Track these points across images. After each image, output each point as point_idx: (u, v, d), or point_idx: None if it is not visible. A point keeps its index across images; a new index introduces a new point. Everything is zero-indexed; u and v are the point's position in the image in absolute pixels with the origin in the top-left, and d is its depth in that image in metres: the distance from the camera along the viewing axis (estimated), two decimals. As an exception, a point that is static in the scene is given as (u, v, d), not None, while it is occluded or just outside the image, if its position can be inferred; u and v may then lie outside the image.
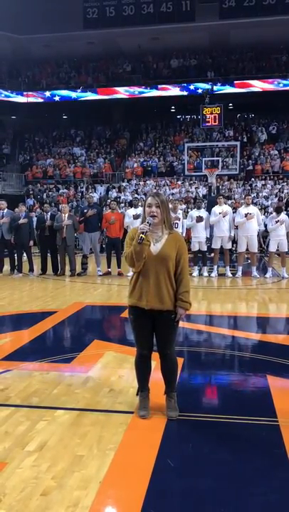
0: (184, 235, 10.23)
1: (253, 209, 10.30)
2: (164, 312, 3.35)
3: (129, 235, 3.42)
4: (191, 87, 24.12)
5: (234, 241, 11.55)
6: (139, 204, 10.96)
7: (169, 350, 3.47)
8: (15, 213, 10.99)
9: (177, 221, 10.13)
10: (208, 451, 3.04)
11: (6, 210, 10.84)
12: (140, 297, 3.35)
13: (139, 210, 10.40)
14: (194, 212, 10.52)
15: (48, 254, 10.93)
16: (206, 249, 10.49)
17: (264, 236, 13.98)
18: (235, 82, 23.96)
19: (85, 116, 26.49)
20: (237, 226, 10.26)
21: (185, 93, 24.31)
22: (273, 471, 2.85)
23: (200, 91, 22.82)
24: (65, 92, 25.33)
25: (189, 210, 14.04)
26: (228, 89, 23.86)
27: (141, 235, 3.19)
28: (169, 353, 3.48)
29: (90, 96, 25.08)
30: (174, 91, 24.47)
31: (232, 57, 25.57)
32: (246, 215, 9.94)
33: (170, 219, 3.44)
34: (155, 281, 3.32)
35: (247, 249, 10.26)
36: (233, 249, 12.62)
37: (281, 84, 23.53)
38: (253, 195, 17.66)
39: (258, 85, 23.77)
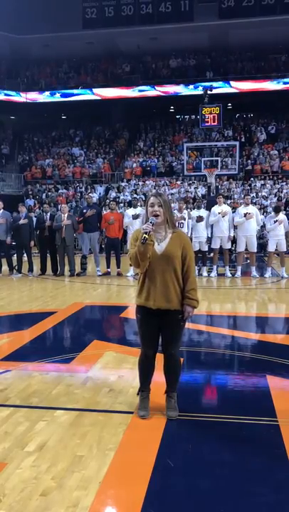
0: (190, 234, 10.22)
1: (253, 209, 10.30)
2: (171, 312, 3.35)
3: (133, 236, 3.41)
4: (190, 86, 24.12)
5: (233, 241, 11.55)
6: (138, 204, 10.96)
7: (174, 350, 3.47)
8: (14, 214, 10.98)
9: (183, 221, 10.12)
10: (207, 451, 3.04)
11: (1, 211, 10.75)
12: (147, 297, 3.35)
13: (139, 210, 10.40)
14: (194, 212, 10.52)
15: (48, 255, 10.92)
16: (206, 249, 10.48)
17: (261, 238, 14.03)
18: (235, 81, 23.96)
19: (84, 117, 26.48)
20: (236, 226, 10.25)
21: (184, 93, 24.25)
22: (273, 470, 2.85)
23: (199, 90, 22.85)
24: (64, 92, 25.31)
25: (188, 210, 14.04)
26: (227, 89, 23.86)
27: (144, 235, 3.18)
28: (174, 353, 3.47)
29: (89, 96, 25.06)
30: (172, 91, 24.44)
31: (231, 57, 25.58)
32: (245, 215, 9.94)
33: (173, 218, 3.44)
34: (162, 280, 3.32)
35: (246, 249, 10.26)
36: (233, 249, 12.63)
37: (280, 84, 23.52)
38: (252, 195, 17.68)
39: (257, 85, 23.76)
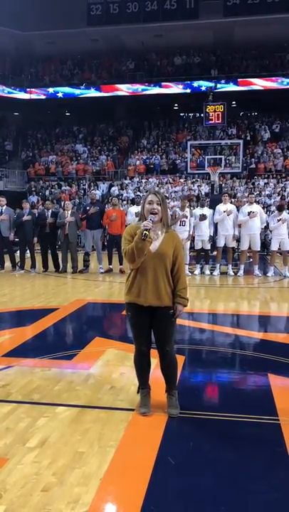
0: (191, 232, 10.21)
1: (256, 207, 10.28)
2: (162, 308, 3.37)
3: (127, 232, 3.43)
4: (195, 84, 24.06)
5: (237, 240, 11.54)
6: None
7: (168, 348, 3.47)
8: (18, 210, 10.98)
9: (185, 219, 10.10)
10: (208, 449, 3.05)
11: (5, 207, 10.78)
12: (138, 294, 3.37)
13: (141, 208, 10.38)
14: (198, 211, 10.50)
15: (49, 252, 10.91)
16: (209, 248, 10.47)
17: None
18: (239, 80, 23.87)
19: (87, 114, 26.46)
20: (240, 224, 10.24)
21: (188, 91, 24.23)
22: (274, 469, 2.85)
23: (203, 88, 22.81)
24: (68, 89, 25.29)
25: (191, 208, 14.02)
26: (232, 87, 23.79)
27: (144, 231, 3.19)
28: (169, 350, 3.47)
29: (93, 93, 25.02)
30: (176, 89, 24.39)
31: (236, 55, 25.49)
32: (249, 214, 9.93)
33: (168, 217, 3.49)
34: (153, 278, 3.34)
35: (249, 248, 10.24)
36: (236, 247, 12.60)
37: (285, 83, 23.42)
38: (255, 194, 17.63)
39: (261, 83, 23.67)
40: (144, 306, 3.36)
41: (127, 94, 24.90)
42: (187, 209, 10.45)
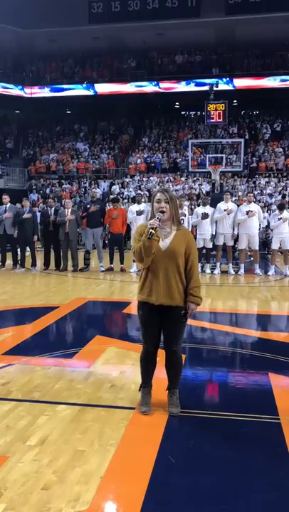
0: (190, 230, 10.20)
1: (255, 206, 10.27)
2: (174, 308, 3.34)
3: (137, 231, 3.41)
4: (196, 83, 24.00)
5: (236, 239, 11.52)
6: (143, 200, 10.94)
7: (176, 347, 3.46)
8: (18, 208, 10.99)
9: (183, 217, 10.10)
10: (209, 448, 3.04)
11: (8, 205, 10.83)
12: (150, 293, 3.34)
13: (142, 206, 10.39)
14: (200, 209, 10.49)
15: (51, 250, 10.91)
16: (210, 247, 10.46)
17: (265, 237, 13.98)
18: (240, 78, 23.83)
19: (88, 112, 26.43)
20: (238, 223, 10.22)
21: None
22: (274, 468, 2.84)
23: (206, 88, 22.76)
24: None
25: (192, 206, 14.02)
26: (233, 86, 23.73)
27: (151, 230, 3.18)
28: (176, 350, 3.47)
29: (97, 90, 24.94)
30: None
31: (237, 54, 25.45)
32: (247, 213, 9.92)
33: (178, 215, 3.43)
34: (165, 277, 3.31)
35: (249, 247, 10.23)
36: (236, 246, 12.58)
37: (287, 82, 23.35)
38: (256, 193, 17.62)
39: (263, 82, 23.63)
40: (155, 305, 3.34)
41: (128, 92, 24.76)
42: (185, 207, 10.44)
